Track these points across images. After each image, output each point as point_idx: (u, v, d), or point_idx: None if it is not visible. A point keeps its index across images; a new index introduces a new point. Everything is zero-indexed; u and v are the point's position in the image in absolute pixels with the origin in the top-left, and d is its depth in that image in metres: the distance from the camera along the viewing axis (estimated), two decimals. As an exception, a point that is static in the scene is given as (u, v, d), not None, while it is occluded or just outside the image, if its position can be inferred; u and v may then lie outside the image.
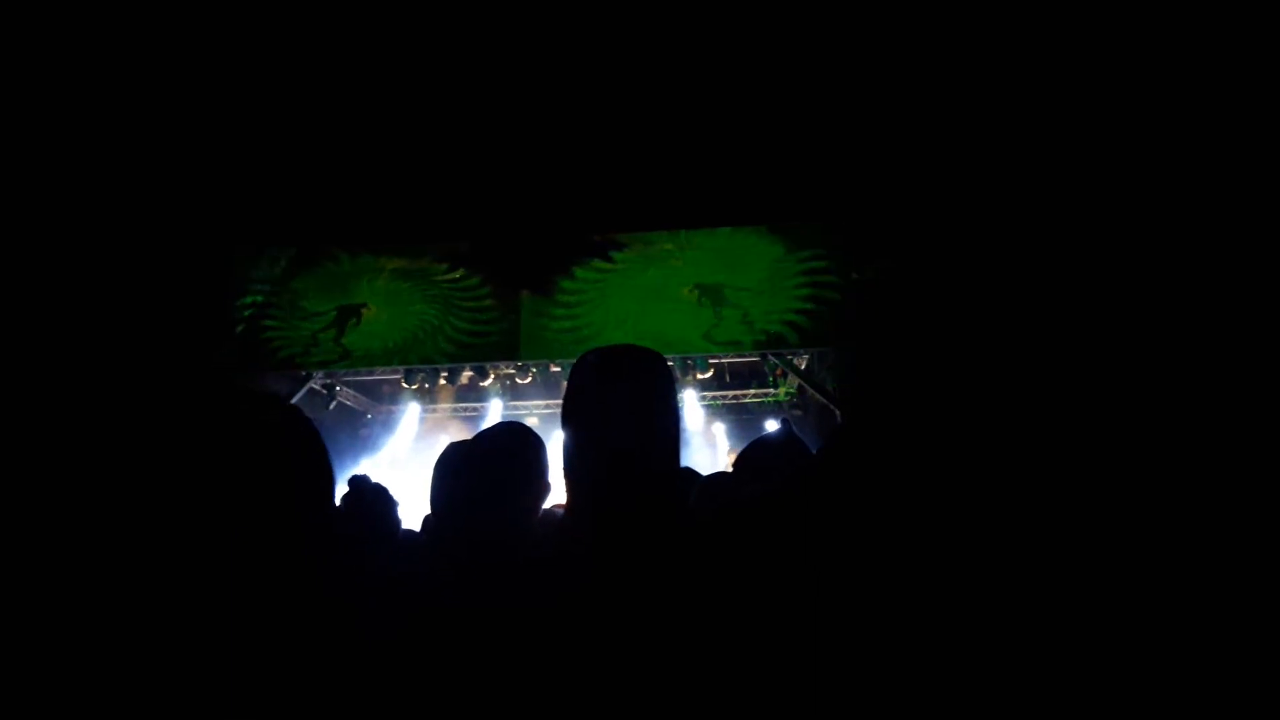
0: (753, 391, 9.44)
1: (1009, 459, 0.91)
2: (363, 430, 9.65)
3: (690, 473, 2.25)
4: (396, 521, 2.31)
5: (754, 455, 1.99)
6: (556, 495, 1.49)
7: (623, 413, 1.04)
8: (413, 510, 2.36)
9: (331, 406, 8.72)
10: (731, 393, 9.43)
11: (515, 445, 1.46)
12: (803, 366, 8.20)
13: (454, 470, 1.42)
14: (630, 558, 0.95)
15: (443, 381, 8.45)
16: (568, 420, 1.09)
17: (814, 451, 1.89)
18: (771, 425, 9.19)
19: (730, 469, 2.22)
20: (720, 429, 9.44)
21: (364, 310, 7.76)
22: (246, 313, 7.55)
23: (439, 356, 7.72)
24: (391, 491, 2.36)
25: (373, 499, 2.25)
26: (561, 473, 1.10)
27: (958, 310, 0.95)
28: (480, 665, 0.94)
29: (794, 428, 2.11)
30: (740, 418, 9.55)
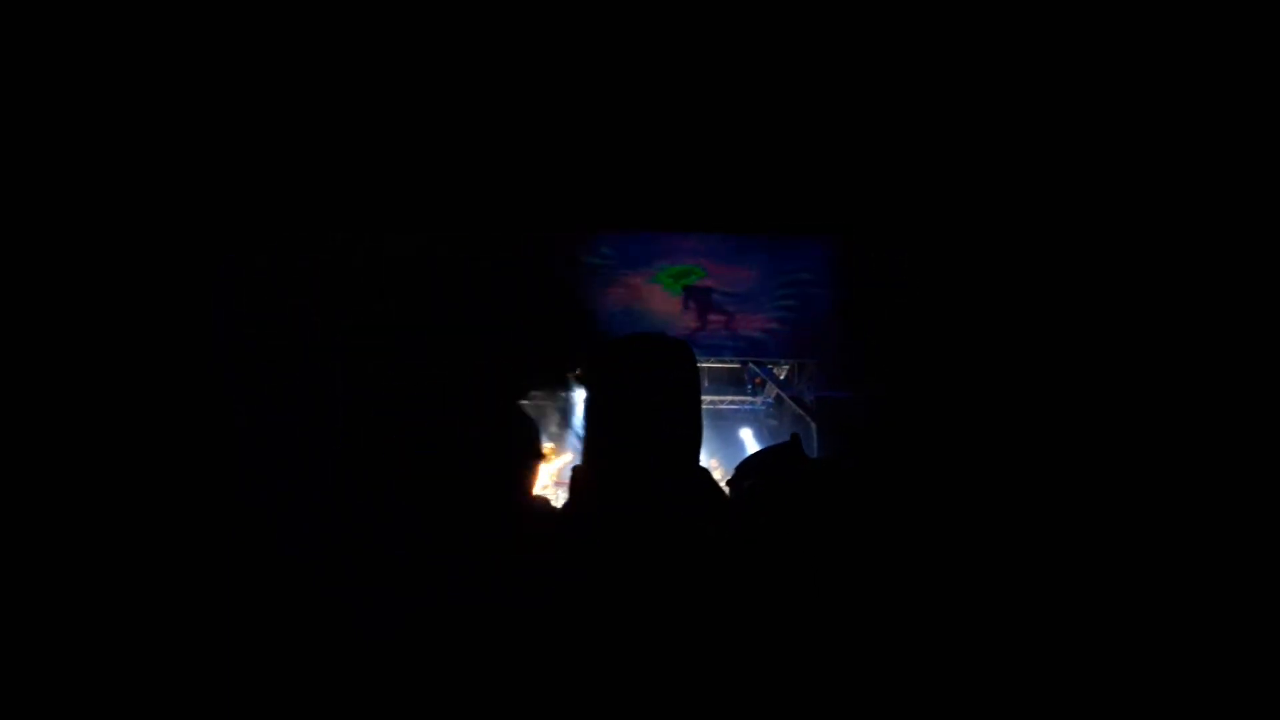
0: (729, 398, 9.46)
1: (1011, 467, 0.92)
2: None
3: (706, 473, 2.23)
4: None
5: (753, 464, 1.98)
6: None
7: (648, 399, 1.04)
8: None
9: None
10: (708, 398, 9.45)
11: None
12: (781, 376, 8.24)
13: None
14: (642, 542, 0.95)
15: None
16: (593, 401, 1.09)
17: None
18: (746, 433, 9.22)
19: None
20: (694, 433, 9.45)
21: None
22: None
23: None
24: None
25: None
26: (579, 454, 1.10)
27: (954, 331, 0.96)
28: (488, 660, 0.93)
29: (802, 443, 2.09)
30: (715, 423, 9.57)
